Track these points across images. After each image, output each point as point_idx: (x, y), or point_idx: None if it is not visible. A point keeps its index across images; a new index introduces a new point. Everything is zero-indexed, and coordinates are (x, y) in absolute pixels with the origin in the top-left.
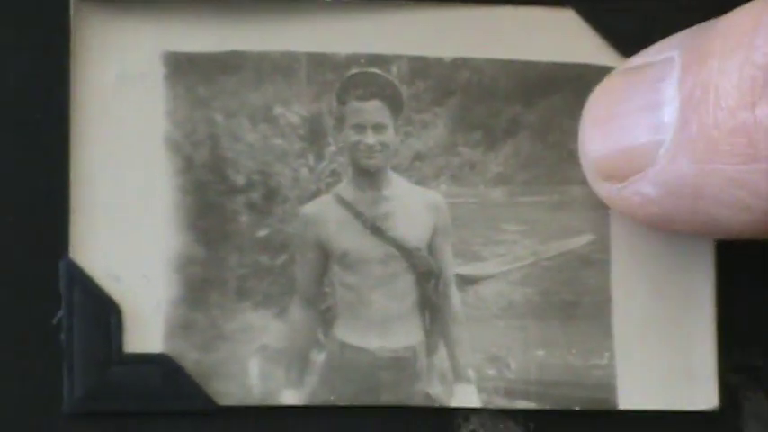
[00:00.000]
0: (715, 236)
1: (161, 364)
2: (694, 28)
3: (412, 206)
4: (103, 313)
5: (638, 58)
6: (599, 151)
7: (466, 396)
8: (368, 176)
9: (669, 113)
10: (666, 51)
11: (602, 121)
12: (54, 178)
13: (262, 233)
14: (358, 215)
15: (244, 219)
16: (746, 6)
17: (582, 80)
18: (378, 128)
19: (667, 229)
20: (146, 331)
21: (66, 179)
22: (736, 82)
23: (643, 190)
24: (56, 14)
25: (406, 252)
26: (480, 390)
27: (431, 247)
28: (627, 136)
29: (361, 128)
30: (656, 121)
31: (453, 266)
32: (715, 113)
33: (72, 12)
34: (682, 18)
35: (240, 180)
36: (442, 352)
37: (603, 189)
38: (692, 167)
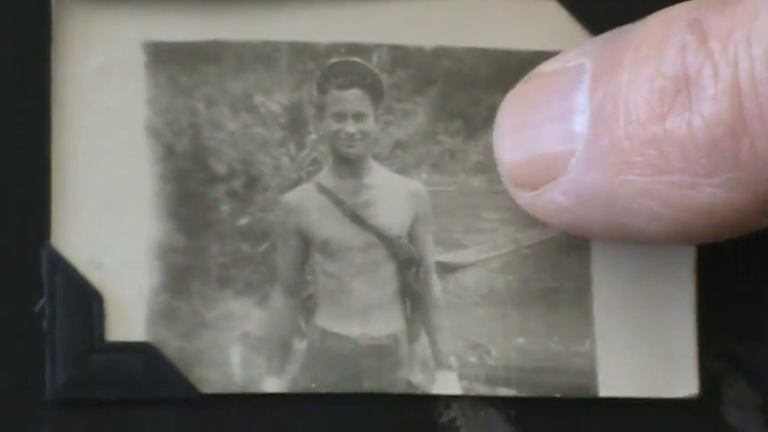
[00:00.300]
0: (629, 242)
1: (143, 352)
2: (607, 34)
3: (392, 194)
4: (85, 301)
5: (551, 64)
6: (511, 158)
7: (447, 383)
8: (348, 165)
9: (580, 123)
10: (579, 58)
11: (514, 127)
12: (35, 166)
13: (243, 221)
14: (339, 203)
15: (225, 207)
16: (658, 14)
17: None
18: (358, 116)
19: (584, 236)
20: (128, 319)
21: (48, 167)
22: (646, 94)
23: (555, 198)
24: (36, 3)
25: (386, 240)
26: (461, 377)
27: (411, 235)
28: (538, 144)
29: (341, 116)
30: (568, 130)
31: (434, 254)
32: (626, 126)
33: (53, 1)
34: (663, 7)
35: (221, 168)
36: (423, 339)
37: (519, 196)
38: (603, 178)
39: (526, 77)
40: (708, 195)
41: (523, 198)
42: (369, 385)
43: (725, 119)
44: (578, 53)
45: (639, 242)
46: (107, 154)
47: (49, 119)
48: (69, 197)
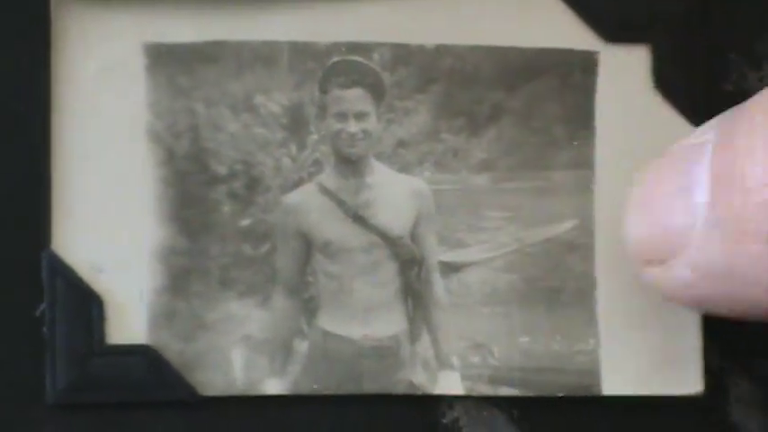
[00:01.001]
0: (755, 318)
1: (144, 355)
2: (732, 108)
3: (395, 194)
4: (85, 305)
5: (683, 140)
6: (637, 234)
7: (450, 383)
8: (350, 164)
9: (701, 194)
10: (706, 133)
11: (640, 203)
12: (35, 170)
13: (244, 222)
14: (340, 203)
15: (226, 209)
16: None
17: (564, 65)
18: (360, 116)
19: (709, 311)
20: (128, 322)
21: (48, 171)
22: (760, 160)
23: (682, 273)
24: (36, 5)
25: (389, 240)
26: (464, 377)
27: (414, 235)
28: (662, 219)
29: (343, 116)
30: (689, 202)
31: (437, 253)
32: (741, 193)
33: (52, 3)
34: (662, 3)
35: (222, 170)
36: (425, 339)
37: (647, 274)
38: (722, 247)
39: (659, 156)
40: None
41: (651, 276)
42: (370, 386)
43: None
44: (705, 128)
45: (761, 318)
46: (108, 157)
47: (49, 123)
48: (70, 201)
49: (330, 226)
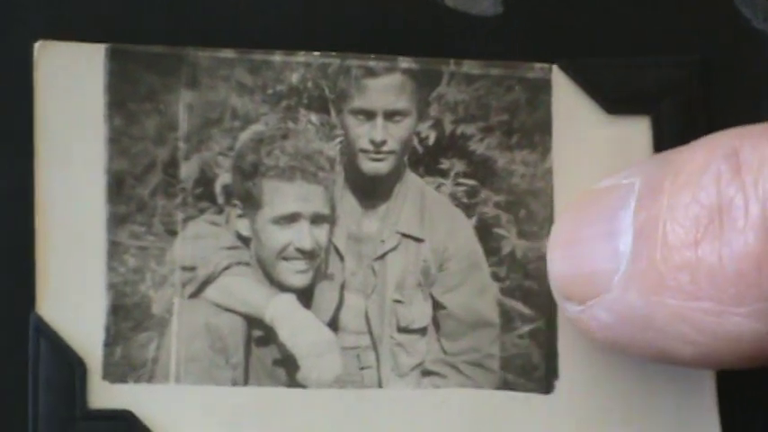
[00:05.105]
0: (668, 364)
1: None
2: (659, 155)
3: None
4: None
5: (609, 179)
6: (561, 273)
7: None
8: None
9: (624, 243)
10: (631, 176)
11: (566, 241)
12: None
13: None
14: None
15: None
16: (701, 141)
17: None
18: None
19: (624, 354)
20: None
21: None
22: (681, 220)
23: (599, 315)
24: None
25: None
26: None
27: None
28: (586, 260)
29: None
30: (613, 248)
31: None
32: (662, 249)
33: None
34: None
35: None
36: None
37: (566, 309)
38: (640, 299)
39: (585, 191)
40: (734, 324)
41: (571, 311)
42: None
43: (751, 252)
44: (632, 171)
45: (676, 364)
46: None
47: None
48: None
49: None
